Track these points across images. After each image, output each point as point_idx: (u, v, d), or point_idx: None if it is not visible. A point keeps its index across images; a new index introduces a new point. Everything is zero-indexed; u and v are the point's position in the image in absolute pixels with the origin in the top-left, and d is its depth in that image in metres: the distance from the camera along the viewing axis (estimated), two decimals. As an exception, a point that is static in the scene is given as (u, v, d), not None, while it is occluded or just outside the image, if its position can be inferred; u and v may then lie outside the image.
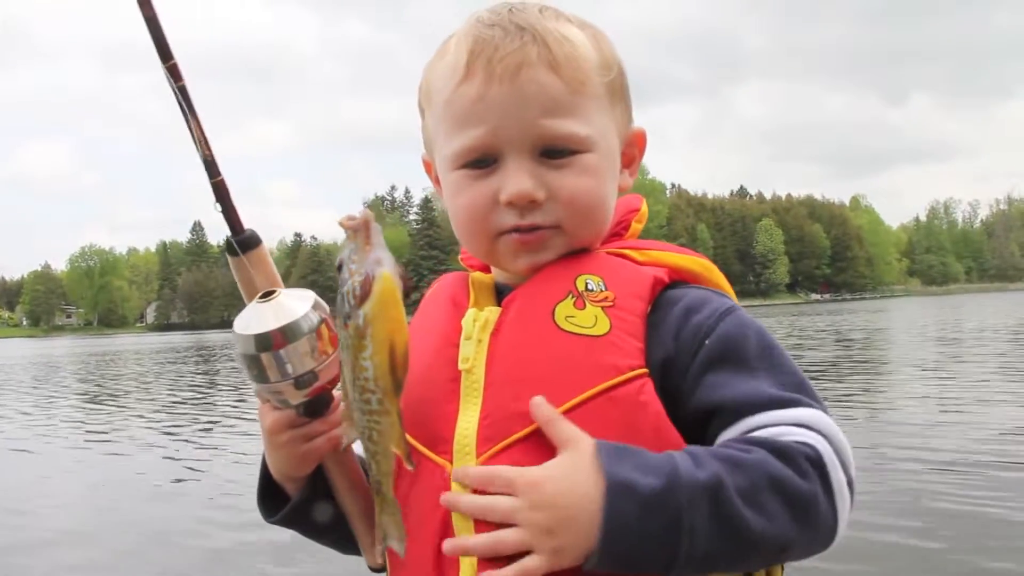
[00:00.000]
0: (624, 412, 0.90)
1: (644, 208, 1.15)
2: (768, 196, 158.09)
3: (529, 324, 0.98)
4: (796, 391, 0.91)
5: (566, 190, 1.00)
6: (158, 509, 6.46)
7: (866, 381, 12.59)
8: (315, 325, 0.93)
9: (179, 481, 7.52)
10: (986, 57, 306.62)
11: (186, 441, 9.86)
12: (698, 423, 0.92)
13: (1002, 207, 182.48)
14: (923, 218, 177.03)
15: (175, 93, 0.92)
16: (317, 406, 1.00)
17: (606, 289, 0.98)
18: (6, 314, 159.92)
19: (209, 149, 0.95)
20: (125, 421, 12.13)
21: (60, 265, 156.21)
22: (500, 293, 1.07)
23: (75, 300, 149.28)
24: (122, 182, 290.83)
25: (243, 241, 1.00)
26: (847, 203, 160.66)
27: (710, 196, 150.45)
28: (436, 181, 1.12)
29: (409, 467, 0.86)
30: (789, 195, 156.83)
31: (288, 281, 0.91)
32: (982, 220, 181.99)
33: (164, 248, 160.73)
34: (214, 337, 68.02)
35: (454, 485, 0.93)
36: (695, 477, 0.82)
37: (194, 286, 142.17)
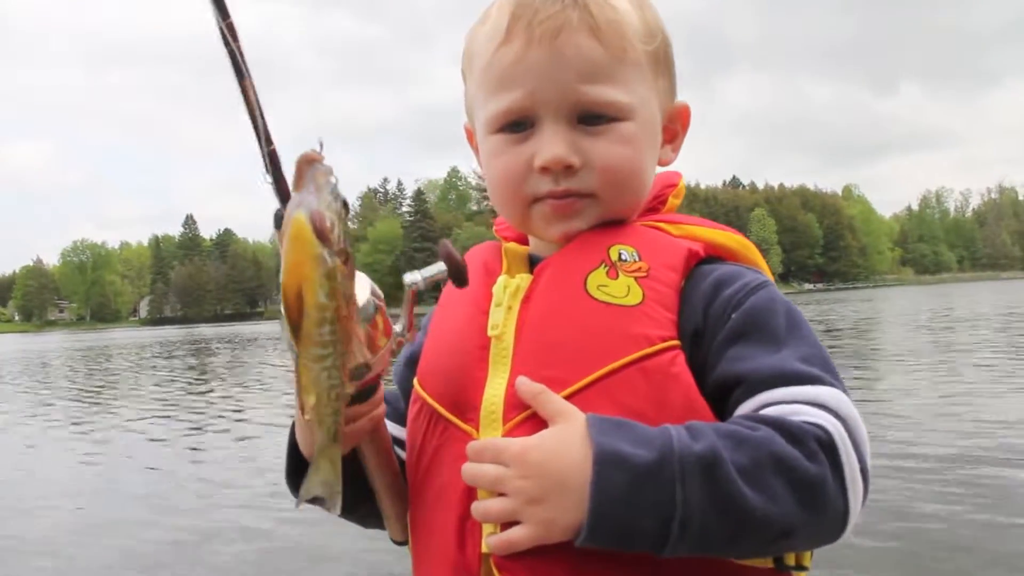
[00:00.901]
0: (654, 383, 0.88)
1: (682, 184, 1.13)
2: (760, 186, 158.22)
3: (560, 292, 0.97)
4: (818, 368, 0.88)
5: (602, 158, 0.99)
6: (146, 506, 6.46)
7: (859, 371, 12.62)
8: (371, 314, 0.90)
9: (171, 474, 7.52)
10: (972, 46, 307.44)
11: (177, 434, 9.85)
12: (718, 397, 0.90)
13: (993, 196, 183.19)
14: (915, 207, 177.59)
15: (231, 55, 0.89)
16: (364, 395, 0.96)
17: (640, 260, 0.97)
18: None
19: (263, 116, 0.92)
20: (116, 416, 12.10)
21: (52, 260, 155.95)
22: (534, 265, 1.04)
23: (68, 295, 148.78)
24: (111, 178, 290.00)
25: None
26: (839, 193, 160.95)
27: (703, 187, 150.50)
28: (477, 150, 1.11)
29: (299, 413, 0.85)
30: (782, 185, 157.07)
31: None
32: (974, 209, 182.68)
33: (156, 242, 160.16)
34: (207, 331, 67.86)
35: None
36: (690, 449, 0.79)
37: (187, 280, 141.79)
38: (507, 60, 0.99)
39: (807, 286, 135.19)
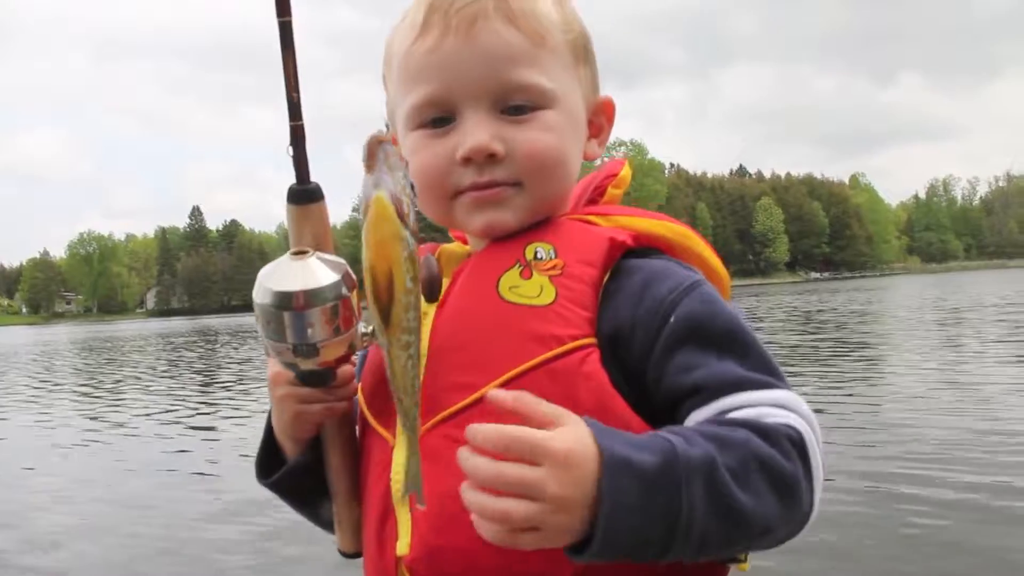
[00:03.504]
0: (564, 385, 0.87)
1: (624, 172, 1.11)
2: (767, 175, 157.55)
3: (472, 295, 0.96)
4: (767, 373, 0.87)
5: (527, 144, 0.97)
6: (153, 497, 6.48)
7: (864, 363, 12.58)
8: (337, 297, 0.88)
9: (175, 466, 7.55)
10: (971, 37, 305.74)
11: (185, 427, 9.87)
12: (668, 405, 0.88)
13: (1001, 184, 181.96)
14: (922, 196, 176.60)
15: (281, 27, 0.90)
16: (315, 379, 0.96)
17: (556, 257, 0.95)
18: (5, 301, 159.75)
19: (297, 91, 0.91)
20: (124, 407, 12.14)
21: (59, 252, 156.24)
22: None
23: (74, 287, 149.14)
24: (117, 169, 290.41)
25: (301, 192, 0.95)
26: (846, 182, 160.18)
27: (709, 175, 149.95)
28: (400, 157, 1.07)
29: (413, 406, 0.83)
30: (788, 174, 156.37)
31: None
32: (981, 197, 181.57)
33: (163, 234, 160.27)
34: (214, 322, 67.94)
35: (397, 454, 0.93)
36: (689, 454, 0.75)
37: (193, 271, 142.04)
38: (423, 51, 0.97)
39: (814, 275, 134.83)
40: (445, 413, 0.90)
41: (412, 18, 1.00)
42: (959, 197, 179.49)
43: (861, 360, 12.43)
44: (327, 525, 1.08)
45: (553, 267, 0.94)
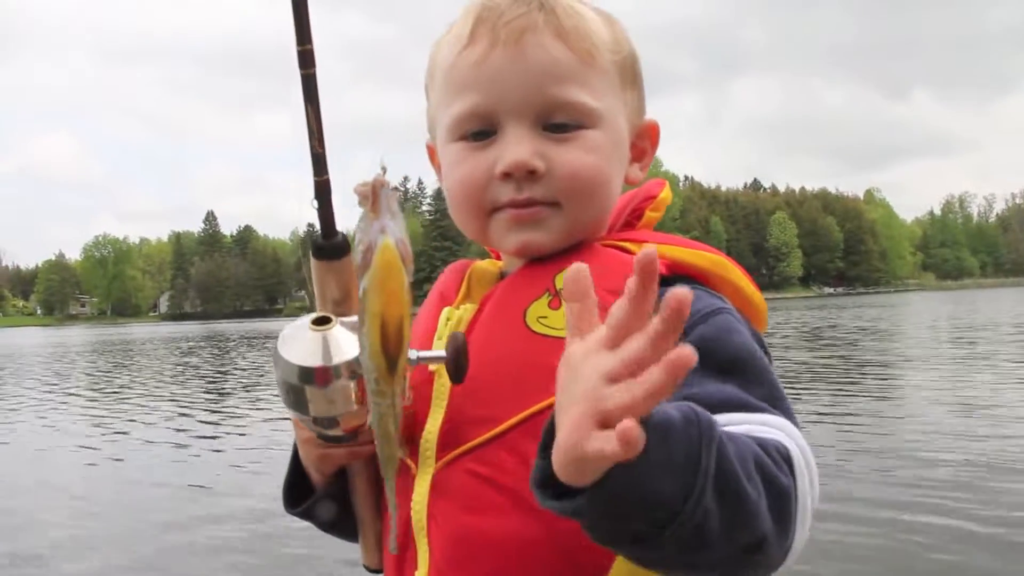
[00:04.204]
0: None
1: (665, 194, 1.08)
2: (781, 189, 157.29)
3: (499, 325, 0.94)
4: (771, 403, 0.82)
5: (568, 164, 0.94)
6: (163, 501, 6.45)
7: (878, 383, 12.47)
8: (359, 371, 0.85)
9: (186, 469, 7.52)
10: (983, 50, 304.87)
11: (198, 432, 9.86)
12: None
13: (1018, 201, 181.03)
14: (938, 212, 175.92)
15: (304, 80, 0.89)
16: (337, 440, 0.97)
17: None
18: (21, 303, 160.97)
19: (322, 144, 0.89)
20: (137, 410, 12.14)
21: (74, 254, 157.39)
22: None
23: (89, 289, 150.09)
24: (131, 173, 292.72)
25: (328, 248, 0.94)
26: (860, 197, 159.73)
27: (723, 189, 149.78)
28: (439, 168, 1.07)
29: (400, 455, 0.84)
30: (803, 188, 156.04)
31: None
32: (997, 214, 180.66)
33: (177, 238, 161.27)
34: (227, 327, 68.32)
35: (418, 485, 0.93)
36: (710, 420, 0.67)
37: (207, 276, 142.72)
38: (470, 62, 0.96)
39: (827, 290, 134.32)
40: (465, 447, 0.89)
41: (459, 29, 0.98)
42: (975, 214, 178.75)
43: (874, 380, 12.30)
44: (340, 531, 1.09)
45: None
